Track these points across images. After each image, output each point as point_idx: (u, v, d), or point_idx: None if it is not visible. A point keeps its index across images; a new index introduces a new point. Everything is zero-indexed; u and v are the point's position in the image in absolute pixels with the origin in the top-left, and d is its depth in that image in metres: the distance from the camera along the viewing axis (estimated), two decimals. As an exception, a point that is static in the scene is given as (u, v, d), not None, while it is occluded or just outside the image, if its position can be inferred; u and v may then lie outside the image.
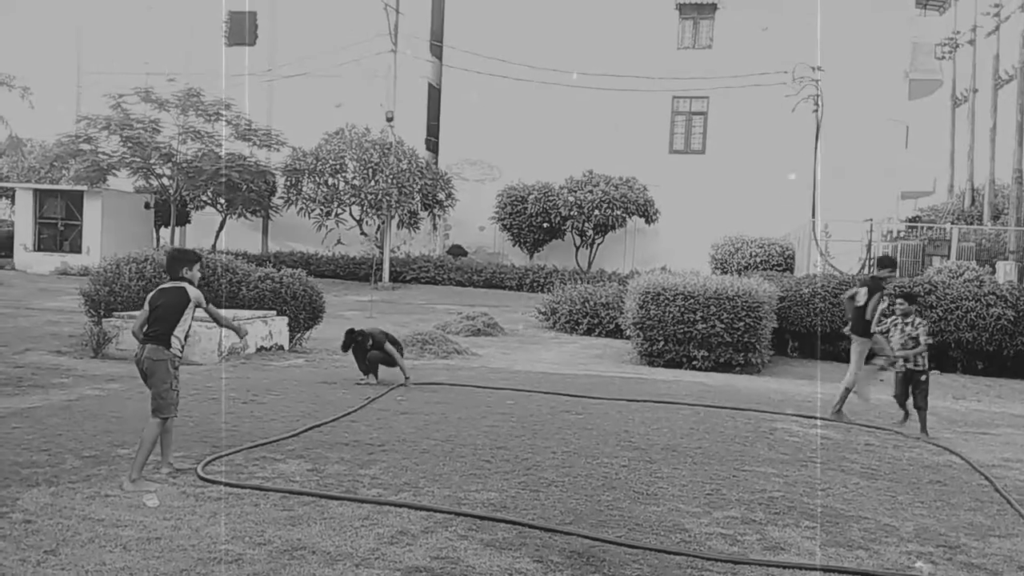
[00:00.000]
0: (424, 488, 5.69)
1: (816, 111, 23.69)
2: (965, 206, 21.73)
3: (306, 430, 7.22)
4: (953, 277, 15.37)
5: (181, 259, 5.98)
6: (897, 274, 9.56)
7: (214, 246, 25.44)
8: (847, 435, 8.53)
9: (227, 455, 6.28)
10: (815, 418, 9.24)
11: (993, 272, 16.84)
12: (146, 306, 5.81)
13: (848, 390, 9.33)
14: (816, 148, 23.57)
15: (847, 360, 15.31)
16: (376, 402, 8.75)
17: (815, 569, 4.57)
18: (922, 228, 19.21)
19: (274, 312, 12.53)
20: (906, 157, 26.48)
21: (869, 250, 20.34)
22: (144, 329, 5.78)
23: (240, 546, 4.47)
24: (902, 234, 20.06)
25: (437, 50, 28.40)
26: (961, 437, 8.75)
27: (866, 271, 18.67)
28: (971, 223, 19.74)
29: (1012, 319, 14.69)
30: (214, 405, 8.32)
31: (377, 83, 26.66)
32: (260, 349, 12.05)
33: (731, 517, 5.42)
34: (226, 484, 5.55)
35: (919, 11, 27.48)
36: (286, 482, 5.70)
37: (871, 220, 20.54)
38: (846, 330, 9.81)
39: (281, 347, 12.49)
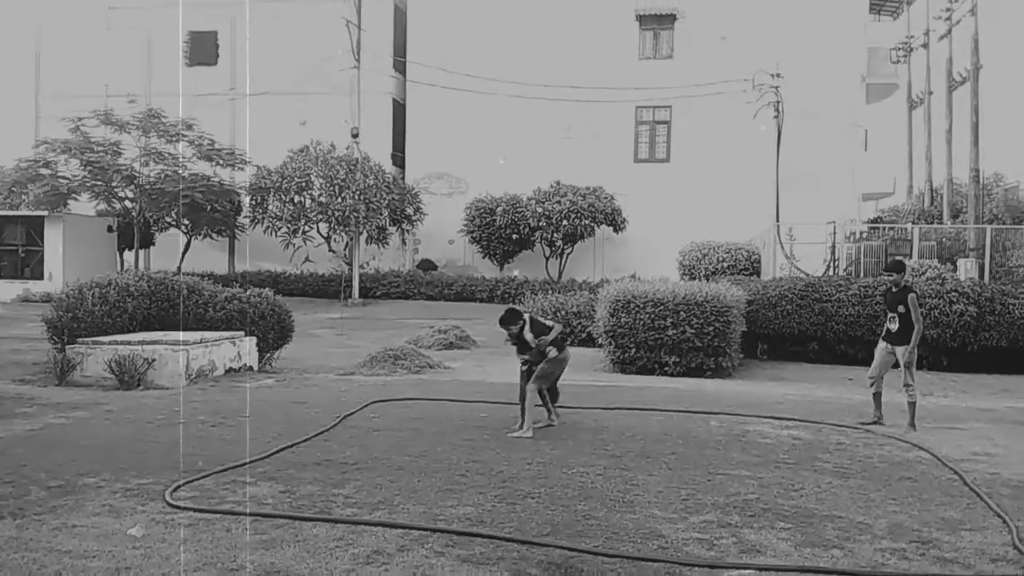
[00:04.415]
0: (399, 505, 5.64)
1: (776, 117, 24.05)
2: (925, 206, 22.16)
3: (277, 451, 7.12)
4: (916, 276, 15.63)
5: None
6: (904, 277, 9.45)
7: (179, 268, 25.11)
8: (818, 435, 8.61)
9: (196, 480, 6.17)
10: (786, 419, 9.32)
11: (954, 270, 17.17)
12: None
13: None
14: (777, 153, 23.91)
15: (816, 361, 15.62)
16: (349, 420, 8.66)
17: (791, 570, 4.59)
18: (884, 229, 19.55)
19: (242, 333, 12.37)
20: (866, 160, 26.97)
21: (833, 252, 20.64)
22: None
23: (212, 573, 4.39)
24: (864, 235, 20.39)
25: (400, 65, 28.40)
26: (929, 432, 8.87)
27: (831, 272, 18.94)
28: (931, 222, 20.12)
29: (975, 315, 14.97)
30: (181, 429, 8.17)
31: (341, 100, 26.59)
32: (229, 371, 11.89)
33: (707, 521, 5.44)
34: (196, 510, 5.45)
35: (873, 17, 28.08)
36: (258, 505, 5.61)
37: (834, 222, 20.86)
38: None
39: (251, 368, 12.34)
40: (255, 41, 27.80)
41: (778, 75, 23.63)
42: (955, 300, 15.13)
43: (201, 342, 11.41)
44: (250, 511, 5.43)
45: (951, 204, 20.65)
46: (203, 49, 28.86)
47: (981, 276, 17.12)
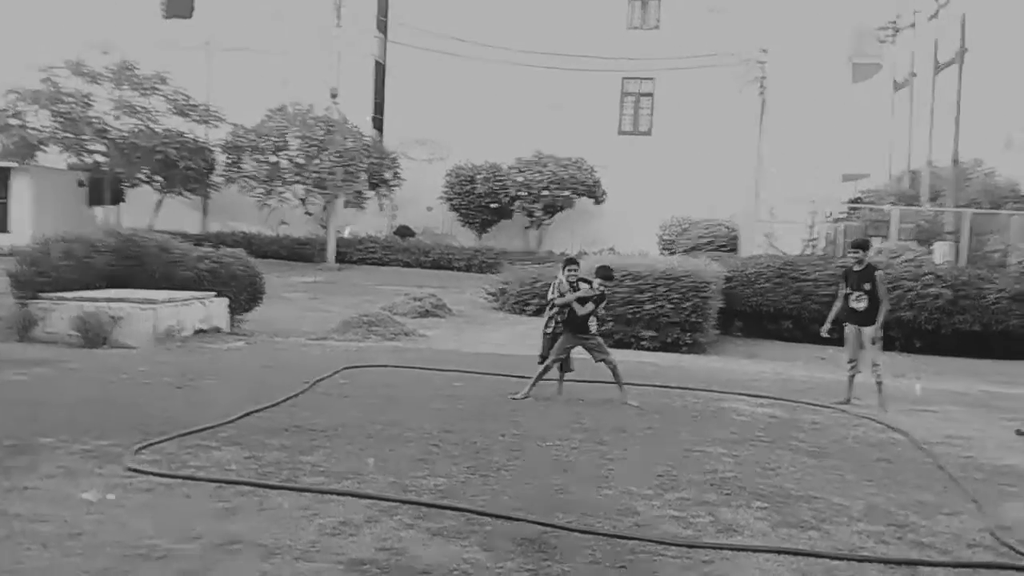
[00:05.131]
0: (368, 475, 5.47)
1: (761, 93, 23.88)
2: (904, 188, 22.19)
3: (244, 416, 6.91)
4: (893, 257, 15.65)
5: None
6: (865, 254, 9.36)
7: (151, 226, 24.56)
8: (793, 413, 8.57)
9: (158, 443, 5.96)
10: (760, 397, 9.28)
11: (931, 253, 17.22)
12: None
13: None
14: (760, 130, 23.79)
15: (790, 339, 15.63)
16: (319, 385, 8.47)
17: (769, 552, 4.50)
18: (863, 210, 19.56)
19: (213, 293, 12.08)
20: (847, 140, 26.91)
21: (812, 231, 20.63)
22: None
23: (169, 541, 4.20)
24: (844, 216, 20.39)
25: (383, 25, 27.78)
26: (903, 414, 8.85)
27: (808, 251, 18.92)
28: (910, 205, 20.15)
29: (950, 299, 15.05)
30: (145, 390, 7.94)
31: (321, 59, 25.96)
32: (198, 332, 11.62)
33: (683, 499, 5.33)
34: (156, 474, 5.24)
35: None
36: (221, 471, 5.41)
37: (814, 202, 20.83)
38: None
39: (219, 329, 12.08)
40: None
41: (764, 51, 23.41)
42: (931, 283, 15.20)
43: (170, 301, 11.11)
44: (212, 477, 5.24)
45: (930, 187, 20.68)
46: (179, 2, 27.99)
47: (957, 260, 17.19)
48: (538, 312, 17.31)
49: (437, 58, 26.15)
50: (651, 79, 26.54)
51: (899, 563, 4.45)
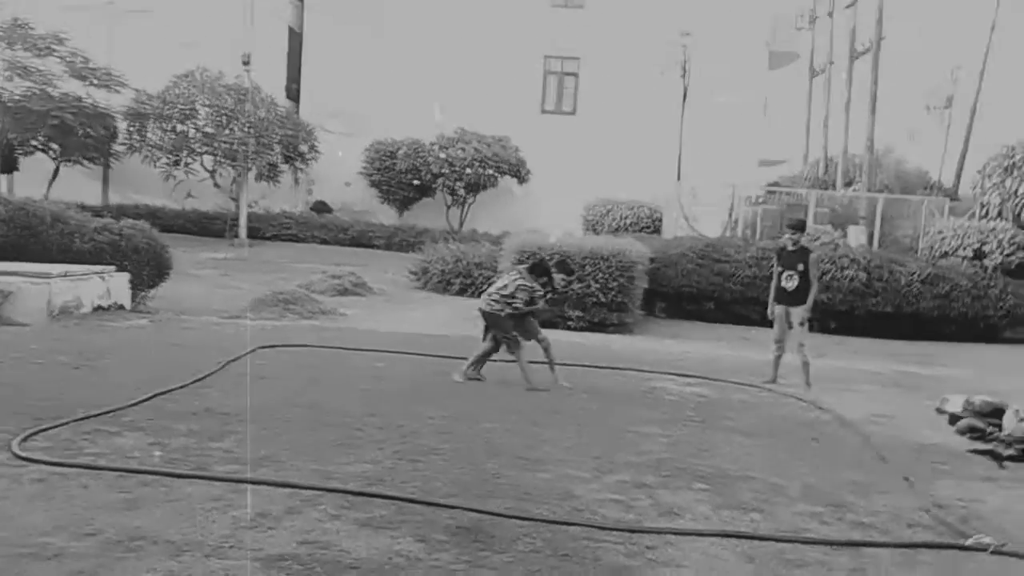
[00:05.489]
0: (287, 462, 5.06)
1: (683, 76, 24.02)
2: (819, 174, 22.75)
3: (148, 398, 6.36)
4: (811, 240, 15.94)
5: None
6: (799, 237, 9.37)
7: (46, 195, 22.97)
8: (722, 393, 8.54)
9: (51, 428, 5.38)
10: (689, 376, 9.22)
11: (845, 236, 17.67)
12: None
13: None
14: (682, 113, 23.96)
15: (712, 320, 15.78)
16: (232, 366, 7.93)
17: (713, 535, 4.33)
18: (781, 194, 19.93)
19: (113, 268, 11.25)
20: (765, 126, 27.42)
21: (731, 214, 20.91)
22: None
23: (63, 537, 3.72)
24: (762, 199, 20.75)
25: (299, -8, 26.67)
26: (826, 393, 8.93)
27: (727, 234, 19.15)
28: (825, 190, 20.64)
29: (864, 280, 15.45)
30: (38, 371, 7.26)
31: (232, 24, 24.71)
32: (97, 308, 10.80)
33: (622, 481, 5.13)
34: (48, 463, 4.70)
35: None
36: (123, 459, 4.91)
37: (734, 186, 21.11)
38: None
39: (121, 306, 11.26)
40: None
41: (687, 34, 23.53)
42: (846, 266, 15.56)
43: (66, 275, 10.28)
44: (113, 466, 4.73)
45: (845, 173, 21.25)
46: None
47: (870, 244, 17.69)
48: (461, 291, 17.02)
49: (356, 29, 25.27)
50: (576, 59, 26.36)
51: (843, 544, 4.35)
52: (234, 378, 7.44)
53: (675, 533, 4.33)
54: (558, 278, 8.22)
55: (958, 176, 21.78)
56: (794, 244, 9.18)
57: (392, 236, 23.86)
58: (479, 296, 16.35)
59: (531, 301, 7.91)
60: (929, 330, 15.50)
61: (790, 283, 9.08)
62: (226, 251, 21.73)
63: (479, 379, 8.02)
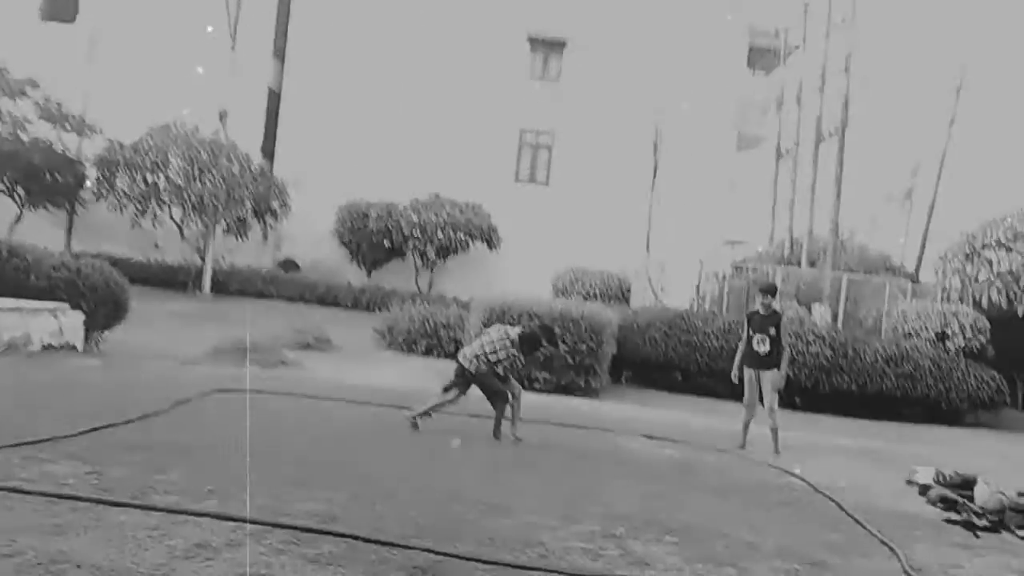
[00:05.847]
0: (234, 496, 4.71)
1: (654, 152, 24.51)
2: (784, 254, 23.09)
3: (90, 430, 5.99)
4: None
5: None
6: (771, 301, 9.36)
7: (6, 240, 22.41)
8: (691, 455, 8.32)
9: (-21, 454, 5.00)
10: (658, 438, 9.00)
11: (809, 313, 17.77)
12: None
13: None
14: (653, 187, 24.34)
15: (678, 391, 15.64)
16: (183, 407, 7.56)
17: (687, 586, 4.07)
18: (747, 270, 20.12)
19: (67, 305, 10.85)
20: (731, 206, 27.95)
21: (699, 289, 21.03)
22: None
23: (-26, 560, 3.36)
24: (729, 276, 20.91)
25: (280, 52, 26.95)
26: (795, 463, 8.73)
27: (694, 308, 19.19)
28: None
29: (828, 357, 15.46)
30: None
31: (211, 81, 24.85)
32: (47, 347, 10.36)
33: (590, 531, 4.86)
34: (-31, 486, 4.33)
35: (750, 71, 29.38)
36: (56, 486, 4.54)
37: (702, 261, 21.30)
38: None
39: (73, 347, 10.82)
40: (124, 4, 25.70)
41: (659, 111, 24.11)
42: (812, 341, 15.58)
43: (15, 309, 9.87)
44: (39, 490, 4.36)
45: (809, 253, 21.59)
46: (61, 5, 26.30)
47: (835, 322, 17.81)
48: (427, 352, 16.73)
49: (334, 91, 25.56)
50: (550, 132, 26.83)
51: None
52: (185, 417, 7.08)
53: (646, 582, 4.06)
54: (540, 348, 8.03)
55: (919, 261, 22.27)
56: (766, 308, 9.12)
57: (359, 296, 23.59)
58: (445, 356, 16.18)
59: (512, 367, 7.72)
60: (893, 410, 15.47)
61: (762, 347, 8.98)
62: (188, 304, 21.27)
63: (417, 427, 7.67)
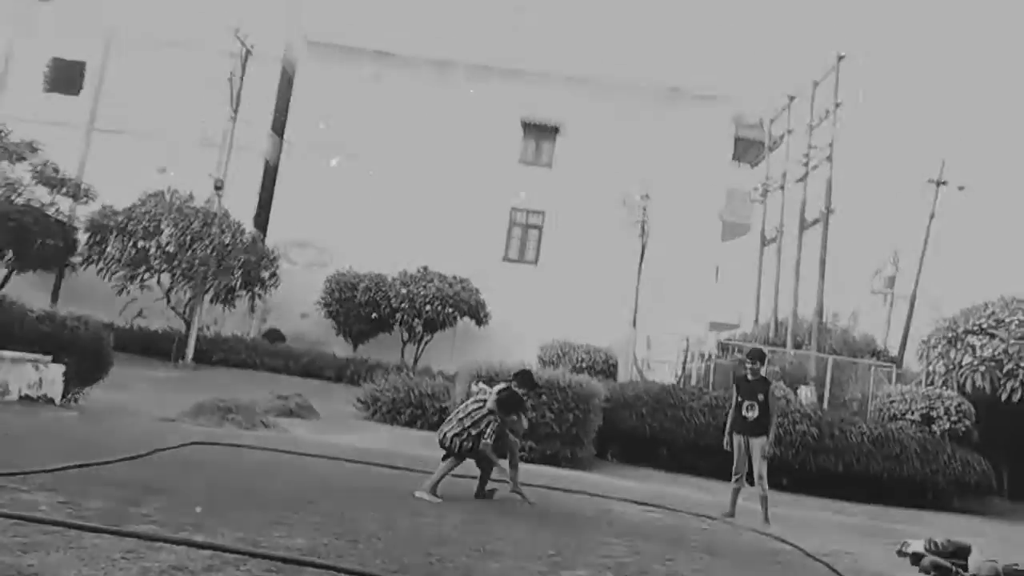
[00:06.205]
0: (213, 529, 4.57)
1: (642, 236, 24.87)
2: (769, 335, 23.20)
3: (66, 468, 5.82)
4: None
5: None
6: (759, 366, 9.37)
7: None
8: (681, 520, 8.16)
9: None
10: (647, 504, 8.83)
11: (795, 394, 17.75)
12: None
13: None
14: (639, 270, 24.58)
15: (666, 468, 15.41)
16: (162, 455, 7.38)
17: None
18: (733, 349, 20.19)
19: (49, 358, 10.68)
20: (716, 292, 28.24)
21: (684, 367, 21.04)
22: None
23: (-60, 571, 3.23)
24: (715, 355, 20.97)
25: (279, 128, 27.51)
26: (784, 532, 8.57)
27: (681, 384, 19.14)
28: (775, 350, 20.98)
29: (815, 436, 15.38)
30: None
31: (209, 153, 25.24)
32: (24, 398, 10.15)
33: (580, 576, 4.73)
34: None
35: (735, 163, 30.20)
36: (28, 511, 4.39)
37: (687, 339, 21.37)
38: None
39: (51, 400, 10.60)
40: (129, 78, 26.31)
41: (646, 196, 24.59)
42: (798, 420, 15.54)
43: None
44: (10, 513, 4.22)
45: (794, 335, 21.72)
46: (65, 77, 26.90)
47: (820, 403, 17.79)
48: (411, 422, 16.49)
49: (329, 167, 26.00)
50: (541, 212, 27.25)
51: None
52: (162, 463, 6.90)
53: (637, 622, 3.93)
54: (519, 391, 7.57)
55: (903, 346, 22.42)
56: (753, 374, 9.12)
57: (344, 367, 23.35)
58: (429, 428, 15.92)
59: (501, 432, 7.30)
60: (879, 494, 15.29)
61: (751, 413, 8.93)
62: (170, 371, 21.00)
63: (440, 500, 7.31)
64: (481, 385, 8.00)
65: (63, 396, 10.94)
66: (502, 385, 7.68)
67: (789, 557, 6.90)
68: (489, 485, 7.45)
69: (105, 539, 4.02)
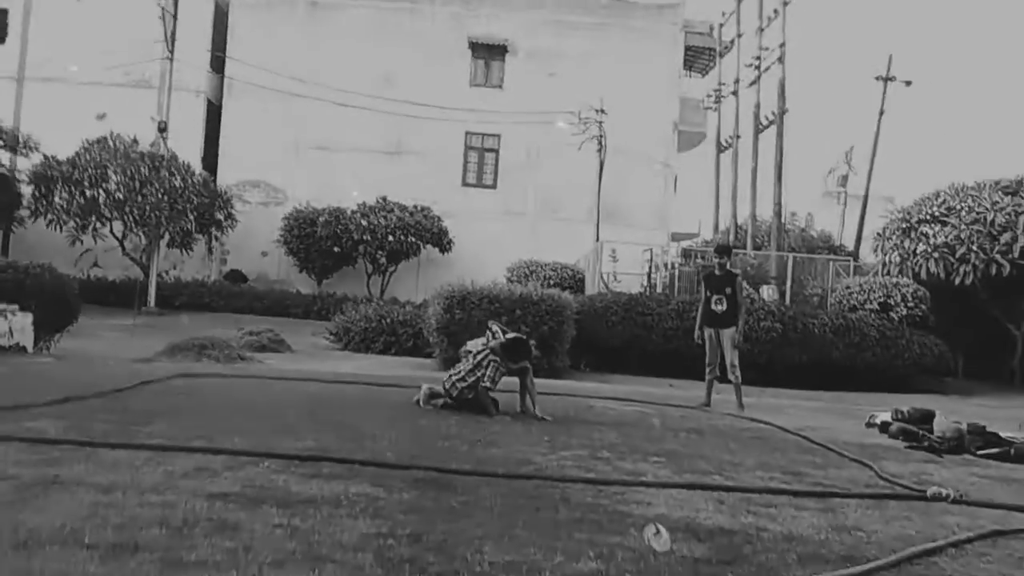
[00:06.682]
0: (223, 441, 4.67)
1: (599, 151, 24.89)
2: (730, 240, 23.66)
3: (63, 400, 5.85)
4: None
5: None
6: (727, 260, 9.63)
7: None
8: (661, 411, 8.48)
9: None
10: (627, 399, 9.16)
11: (758, 293, 18.23)
12: None
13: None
14: (599, 185, 24.69)
15: (638, 373, 15.86)
16: (151, 386, 7.42)
17: (682, 487, 4.19)
18: (696, 256, 20.59)
19: (16, 306, 10.53)
20: (675, 202, 28.55)
21: (649, 277, 21.41)
22: None
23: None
24: (679, 263, 21.36)
25: (218, 64, 26.61)
26: (760, 415, 8.97)
27: (648, 293, 19.51)
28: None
29: (779, 331, 15.90)
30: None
31: (148, 94, 24.39)
32: (-4, 348, 10.04)
33: (578, 455, 4.96)
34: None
35: (685, 72, 30.14)
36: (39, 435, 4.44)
37: (650, 249, 21.70)
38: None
39: (23, 348, 10.50)
40: (55, 21, 25.11)
41: (602, 111, 24.52)
42: (763, 318, 16.01)
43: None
44: (29, 436, 4.27)
45: (754, 238, 22.17)
46: (-13, 23, 25.59)
47: (783, 300, 18.32)
48: (385, 350, 16.64)
49: (274, 99, 25.32)
50: (496, 135, 27.01)
51: (809, 495, 4.28)
52: (153, 393, 6.95)
53: (644, 485, 4.17)
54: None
55: (858, 240, 23.04)
56: (721, 268, 9.38)
57: (310, 304, 23.29)
58: (405, 354, 16.08)
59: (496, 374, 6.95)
60: (842, 380, 15.94)
61: (719, 306, 9.21)
62: (134, 318, 20.74)
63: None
64: (495, 327, 7.37)
65: (35, 344, 10.83)
66: (513, 334, 7.32)
67: (768, 433, 7.27)
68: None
69: (120, 452, 4.10)
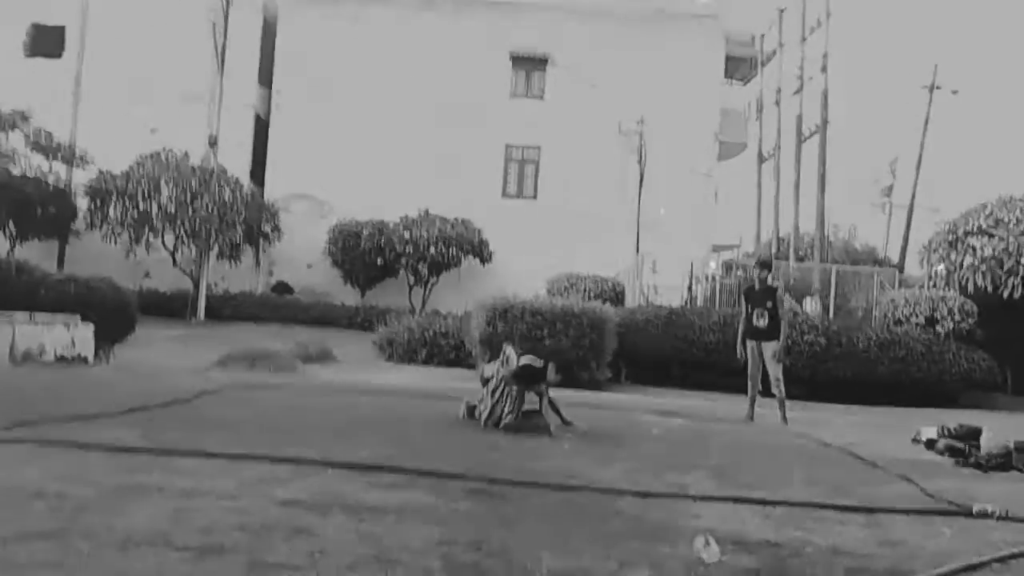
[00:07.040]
0: (285, 450, 4.89)
1: (640, 162, 24.97)
2: (772, 252, 23.54)
3: (130, 410, 6.15)
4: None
5: None
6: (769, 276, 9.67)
7: None
8: (705, 425, 8.55)
9: (33, 423, 5.15)
10: (670, 413, 9.24)
11: (801, 306, 18.14)
12: None
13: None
14: (639, 196, 24.75)
15: (678, 386, 15.87)
16: (210, 396, 7.71)
17: (727, 500, 4.30)
18: (737, 269, 20.53)
19: (78, 317, 10.97)
20: (716, 213, 28.45)
21: (691, 290, 21.38)
22: None
23: (59, 485, 3.54)
24: (720, 276, 21.32)
25: (266, 79, 27.27)
26: (803, 429, 8.98)
27: (688, 306, 19.51)
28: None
29: (823, 345, 15.80)
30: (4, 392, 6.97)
31: (198, 109, 25.11)
32: (60, 358, 10.46)
33: (627, 469, 5.09)
34: (34, 441, 4.50)
35: (727, 81, 30.05)
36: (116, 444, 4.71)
37: (692, 262, 21.69)
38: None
39: (85, 358, 10.92)
40: (110, 38, 25.95)
41: (642, 122, 24.60)
42: (807, 331, 15.93)
43: (30, 321, 10.00)
44: (106, 444, 4.54)
45: (796, 249, 22.02)
46: (46, 42, 26.53)
47: (827, 313, 18.19)
48: (428, 360, 16.90)
49: (321, 114, 25.87)
50: (536, 147, 27.22)
51: (855, 510, 4.36)
52: (214, 403, 7.23)
53: (691, 498, 4.29)
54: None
55: (903, 252, 22.75)
56: (761, 282, 9.42)
57: (354, 316, 23.69)
58: (447, 364, 16.31)
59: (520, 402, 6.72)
60: (888, 396, 15.76)
61: (761, 321, 9.24)
62: (185, 328, 21.32)
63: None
64: (509, 351, 7.05)
65: (95, 355, 11.26)
66: (529, 359, 6.92)
67: (813, 449, 7.30)
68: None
69: (192, 460, 4.34)
